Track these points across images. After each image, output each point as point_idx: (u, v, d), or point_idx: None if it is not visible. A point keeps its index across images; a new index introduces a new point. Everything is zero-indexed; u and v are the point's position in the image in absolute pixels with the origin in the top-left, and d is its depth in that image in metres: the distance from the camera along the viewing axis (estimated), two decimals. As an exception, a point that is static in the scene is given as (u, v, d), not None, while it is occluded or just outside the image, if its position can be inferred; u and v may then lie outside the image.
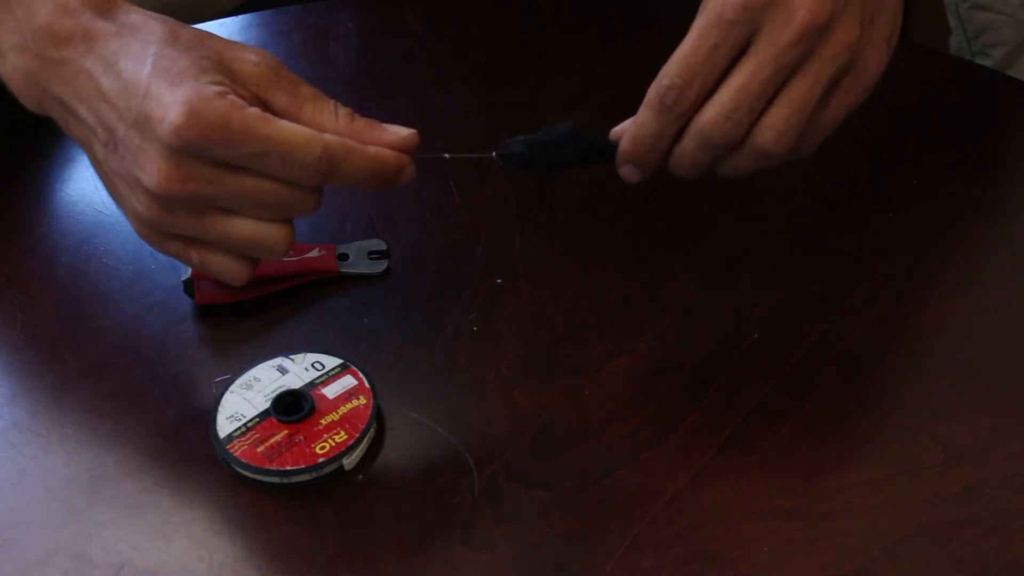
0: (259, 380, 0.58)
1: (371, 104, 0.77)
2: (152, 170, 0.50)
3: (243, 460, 0.54)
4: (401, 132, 0.55)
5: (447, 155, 0.60)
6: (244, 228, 0.53)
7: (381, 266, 0.65)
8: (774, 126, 0.55)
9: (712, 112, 0.55)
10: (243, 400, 0.57)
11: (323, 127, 0.53)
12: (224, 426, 0.56)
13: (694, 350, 0.61)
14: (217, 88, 0.51)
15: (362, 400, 0.57)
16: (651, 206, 0.69)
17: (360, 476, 0.55)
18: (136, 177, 0.51)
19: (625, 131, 0.58)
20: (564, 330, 0.62)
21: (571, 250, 0.67)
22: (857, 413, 0.58)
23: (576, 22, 0.84)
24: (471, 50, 0.82)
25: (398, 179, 0.55)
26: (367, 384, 0.58)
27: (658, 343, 0.61)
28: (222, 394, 0.57)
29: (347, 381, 0.58)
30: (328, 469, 0.55)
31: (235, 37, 0.81)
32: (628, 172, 0.59)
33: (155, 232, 0.54)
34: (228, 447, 0.55)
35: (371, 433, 0.56)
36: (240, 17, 0.83)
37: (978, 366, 0.60)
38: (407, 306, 0.64)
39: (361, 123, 0.55)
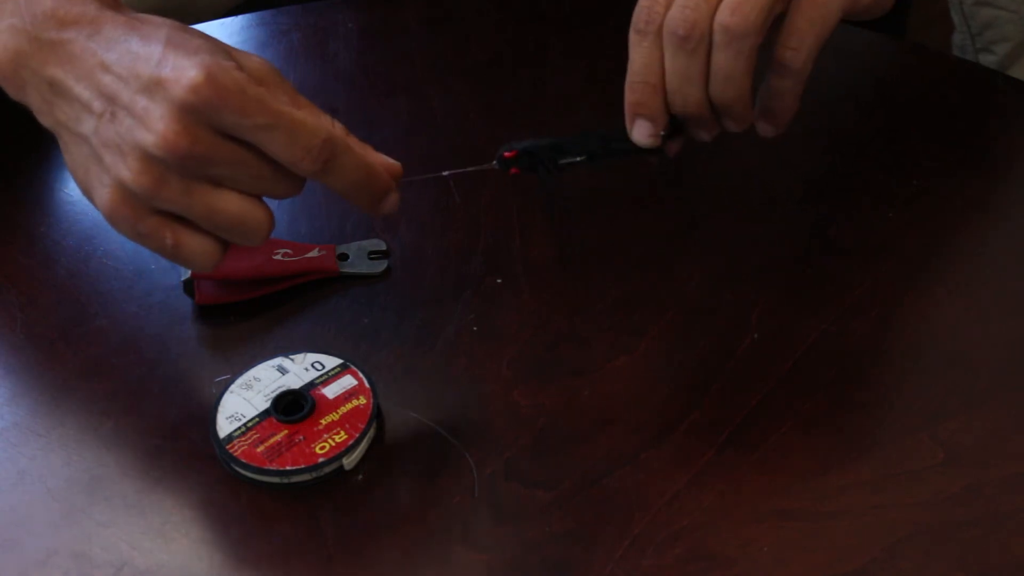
0: (259, 380, 0.58)
1: (371, 104, 0.77)
2: (159, 128, 0.50)
3: (243, 460, 0.54)
4: (388, 159, 0.56)
5: (445, 172, 0.61)
6: (232, 203, 0.53)
7: (381, 266, 0.65)
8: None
9: (674, 10, 0.56)
10: (243, 400, 0.57)
11: None
12: (224, 426, 0.56)
13: (694, 350, 0.61)
14: (232, 63, 0.51)
15: (362, 400, 0.57)
16: (651, 207, 0.69)
17: (360, 476, 0.55)
18: (135, 140, 0.51)
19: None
20: (564, 330, 0.62)
21: (571, 250, 0.67)
22: (857, 413, 0.58)
23: (576, 22, 0.84)
24: (471, 50, 0.82)
25: (384, 201, 0.56)
26: (367, 384, 0.58)
27: (658, 343, 0.61)
28: (222, 394, 0.57)
29: (347, 381, 0.58)
30: (328, 469, 0.55)
31: (235, 37, 0.82)
32: (640, 129, 0.59)
33: (134, 207, 0.53)
34: (228, 447, 0.55)
35: (371, 433, 0.56)
36: (240, 17, 0.83)
37: (978, 366, 0.60)
38: (407, 306, 0.64)
39: (354, 138, 0.55)
